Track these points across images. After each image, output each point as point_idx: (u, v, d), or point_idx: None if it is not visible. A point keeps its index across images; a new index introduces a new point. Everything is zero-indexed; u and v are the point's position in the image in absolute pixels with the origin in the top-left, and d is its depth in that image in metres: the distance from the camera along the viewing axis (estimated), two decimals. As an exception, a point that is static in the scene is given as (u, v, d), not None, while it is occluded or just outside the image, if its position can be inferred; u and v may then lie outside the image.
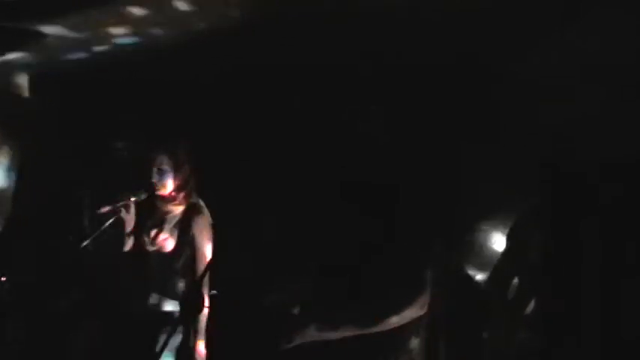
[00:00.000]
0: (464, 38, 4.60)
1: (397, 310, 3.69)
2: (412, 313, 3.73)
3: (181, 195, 4.29)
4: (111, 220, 4.18)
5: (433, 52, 4.69)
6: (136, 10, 4.31)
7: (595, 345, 3.66)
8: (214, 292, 4.26)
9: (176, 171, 4.26)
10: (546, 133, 4.34)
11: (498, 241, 4.12)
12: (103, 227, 4.16)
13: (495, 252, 4.15)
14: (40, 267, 4.81)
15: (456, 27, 4.53)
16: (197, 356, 4.16)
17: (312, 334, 3.68)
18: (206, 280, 4.19)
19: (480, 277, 4.26)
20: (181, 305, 4.14)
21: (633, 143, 4.08)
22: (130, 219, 4.25)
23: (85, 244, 4.13)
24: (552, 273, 3.79)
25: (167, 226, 4.28)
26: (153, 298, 4.22)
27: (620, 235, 3.72)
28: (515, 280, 3.95)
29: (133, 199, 4.23)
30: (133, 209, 4.24)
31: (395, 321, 3.71)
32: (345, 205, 4.02)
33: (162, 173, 4.23)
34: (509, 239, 3.97)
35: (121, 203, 4.20)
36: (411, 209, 4.07)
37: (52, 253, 4.77)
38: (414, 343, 3.88)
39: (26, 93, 5.15)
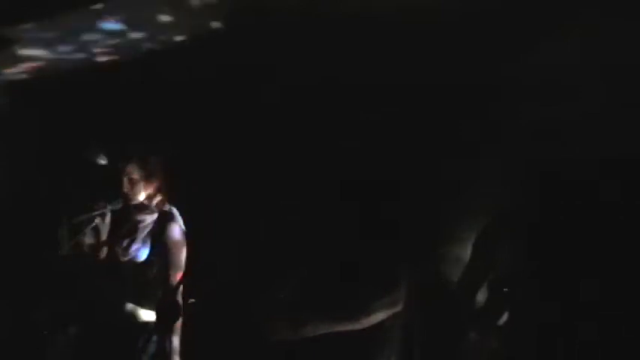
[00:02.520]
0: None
1: (369, 307, 3.68)
2: (384, 311, 3.70)
3: (153, 203, 4.28)
4: (87, 229, 4.17)
5: (422, 55, 4.62)
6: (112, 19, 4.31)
7: (571, 348, 3.61)
8: (191, 300, 4.25)
9: (147, 180, 4.24)
10: (528, 137, 4.26)
11: (471, 247, 4.08)
12: (78, 236, 4.14)
13: (468, 260, 4.10)
14: (17, 275, 4.84)
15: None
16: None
17: (287, 332, 3.68)
18: (181, 288, 4.20)
19: (453, 284, 4.21)
20: (157, 314, 4.17)
21: (620, 145, 3.99)
22: (105, 228, 4.23)
23: (60, 252, 4.14)
24: (524, 279, 3.74)
25: (139, 236, 4.25)
26: (128, 308, 4.19)
27: (595, 240, 3.65)
28: (488, 286, 3.90)
29: (109, 207, 4.21)
30: (108, 218, 4.22)
31: (368, 318, 3.70)
32: (324, 209, 3.98)
33: (133, 183, 4.22)
34: (477, 248, 3.94)
35: (97, 212, 4.18)
36: (389, 214, 4.02)
37: (27, 262, 4.80)
38: (391, 346, 3.84)
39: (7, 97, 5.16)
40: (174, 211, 4.31)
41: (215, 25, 4.50)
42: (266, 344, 3.83)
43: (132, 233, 4.25)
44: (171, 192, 4.33)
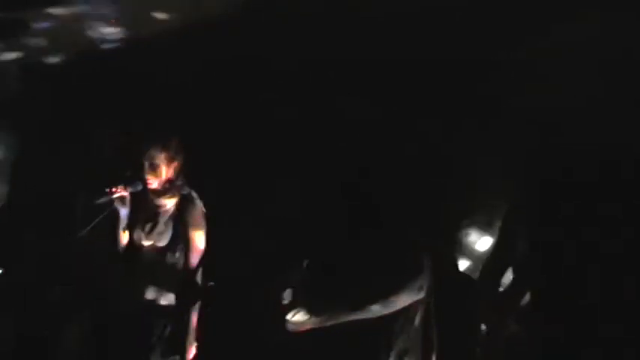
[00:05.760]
0: (455, 30, 4.59)
1: (388, 295, 3.67)
2: (405, 298, 3.71)
3: (173, 187, 4.30)
4: (106, 212, 4.18)
5: (423, 46, 4.68)
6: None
7: (588, 335, 3.65)
8: (211, 283, 4.28)
9: (168, 164, 4.26)
10: (537, 125, 4.33)
11: (490, 235, 4.12)
12: (98, 219, 4.15)
13: (487, 245, 4.15)
14: (35, 260, 4.83)
15: (446, 18, 4.52)
16: (189, 347, 4.18)
17: (305, 323, 3.67)
18: (200, 271, 4.24)
19: (472, 270, 4.26)
20: (177, 297, 4.20)
21: (625, 138, 4.07)
22: (125, 211, 4.24)
23: (80, 235, 4.15)
24: (543, 266, 3.78)
25: (161, 220, 4.29)
26: (150, 292, 4.22)
27: (611, 228, 3.70)
28: (508, 274, 3.94)
29: (128, 190, 4.21)
30: (128, 201, 4.23)
31: (387, 307, 3.70)
32: (336, 194, 4.00)
33: (154, 167, 4.23)
34: (500, 233, 3.97)
35: (117, 195, 4.18)
36: (403, 201, 4.05)
37: (46, 246, 4.80)
38: (409, 330, 3.86)
39: (16, 84, 5.15)
40: (194, 194, 4.33)
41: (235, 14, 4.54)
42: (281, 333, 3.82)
43: (153, 218, 4.29)
44: (190, 176, 4.34)
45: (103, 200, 4.15)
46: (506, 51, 4.59)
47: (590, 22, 4.35)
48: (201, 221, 4.30)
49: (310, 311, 3.65)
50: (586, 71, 4.28)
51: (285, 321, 3.69)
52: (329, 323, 3.66)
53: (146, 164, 4.23)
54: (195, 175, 4.42)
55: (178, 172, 4.30)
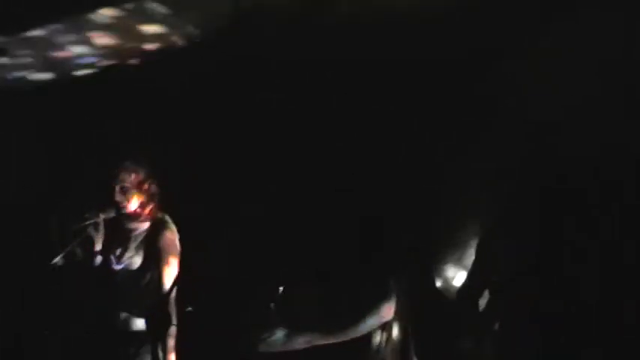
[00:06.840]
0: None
1: (362, 319, 3.64)
2: (375, 321, 3.65)
3: (146, 211, 4.27)
4: (80, 239, 4.15)
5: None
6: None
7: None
8: (189, 308, 4.23)
9: (139, 188, 4.22)
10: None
11: (470, 254, 4.05)
12: (71, 245, 4.12)
13: (467, 264, 4.08)
14: (9, 284, 4.83)
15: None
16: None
17: (280, 345, 3.65)
18: (174, 296, 4.18)
19: (451, 289, 4.19)
20: (147, 322, 4.14)
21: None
22: (98, 237, 4.22)
23: (54, 261, 4.12)
24: (524, 284, 3.72)
25: (133, 244, 4.26)
26: (122, 317, 4.20)
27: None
28: (486, 293, 3.88)
29: (101, 216, 4.19)
30: (101, 227, 4.21)
31: (360, 330, 3.66)
32: (315, 215, 3.96)
33: (125, 191, 4.20)
34: (479, 252, 3.91)
35: (90, 221, 4.16)
36: (383, 219, 3.99)
37: (20, 271, 4.79)
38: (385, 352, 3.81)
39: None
40: (167, 218, 4.30)
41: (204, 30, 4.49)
42: (257, 355, 3.79)
43: (125, 242, 4.26)
44: (163, 199, 4.29)
45: (76, 227, 4.13)
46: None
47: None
48: (174, 246, 4.25)
49: (284, 334, 3.63)
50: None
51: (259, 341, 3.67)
52: (300, 346, 3.64)
53: (117, 188, 4.19)
54: (189, 177, 4.49)
55: (150, 196, 4.27)
